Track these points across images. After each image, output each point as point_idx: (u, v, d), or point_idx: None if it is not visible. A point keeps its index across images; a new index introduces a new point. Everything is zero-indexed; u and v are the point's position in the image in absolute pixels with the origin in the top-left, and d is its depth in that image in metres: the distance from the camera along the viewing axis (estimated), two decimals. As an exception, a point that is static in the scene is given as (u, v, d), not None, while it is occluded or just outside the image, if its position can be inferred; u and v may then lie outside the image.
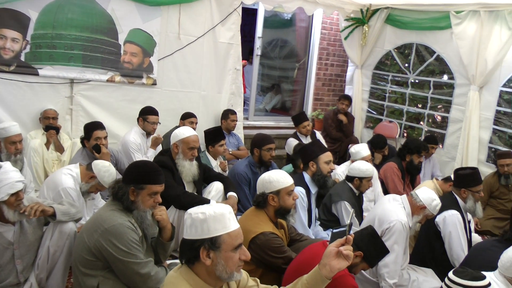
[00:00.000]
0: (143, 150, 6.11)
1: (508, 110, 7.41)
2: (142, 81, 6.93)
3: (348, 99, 8.94)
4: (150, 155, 6.01)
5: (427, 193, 4.32)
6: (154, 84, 7.06)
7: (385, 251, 3.43)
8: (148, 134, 6.25)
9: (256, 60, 9.25)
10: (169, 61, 7.14)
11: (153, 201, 3.35)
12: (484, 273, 3.14)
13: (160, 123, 6.38)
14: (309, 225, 4.87)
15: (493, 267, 3.31)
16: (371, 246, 3.34)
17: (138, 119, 6.22)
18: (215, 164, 5.94)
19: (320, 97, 10.13)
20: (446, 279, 2.54)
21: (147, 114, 6.18)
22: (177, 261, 2.53)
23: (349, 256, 2.55)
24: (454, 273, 2.53)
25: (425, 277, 4.46)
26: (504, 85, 7.42)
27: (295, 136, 7.74)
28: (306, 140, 7.54)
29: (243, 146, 7.56)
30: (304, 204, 4.76)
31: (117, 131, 6.50)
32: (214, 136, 5.99)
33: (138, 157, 5.81)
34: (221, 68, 7.73)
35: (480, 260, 3.78)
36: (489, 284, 2.50)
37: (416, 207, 4.29)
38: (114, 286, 3.25)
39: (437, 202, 4.27)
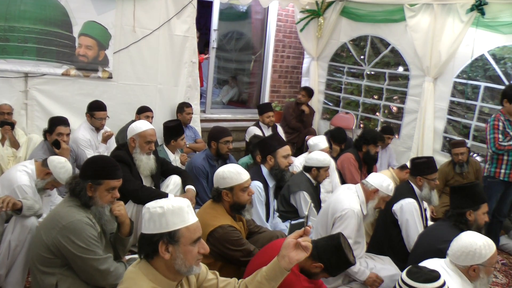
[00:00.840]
0: (94, 145, 5.99)
1: (462, 100, 7.59)
2: (98, 74, 6.82)
3: (310, 90, 8.96)
4: (101, 150, 5.92)
5: (377, 176, 4.41)
6: (110, 77, 6.96)
7: (349, 264, 3.38)
8: (97, 129, 6.14)
9: (212, 53, 9.20)
10: (124, 54, 7.04)
11: (111, 196, 3.31)
12: (435, 260, 3.23)
13: (109, 117, 6.22)
14: (268, 219, 4.87)
15: (442, 241, 3.44)
16: (334, 258, 3.25)
17: (86, 114, 6.09)
18: (173, 158, 5.91)
19: (277, 89, 10.16)
20: (399, 281, 2.55)
21: (94, 110, 6.01)
22: (136, 256, 2.50)
23: (307, 247, 2.58)
24: (407, 275, 2.53)
25: (383, 265, 4.53)
26: (458, 76, 7.59)
27: (257, 125, 7.76)
28: (267, 131, 7.57)
29: (200, 139, 7.54)
30: (262, 198, 4.74)
31: (73, 125, 6.34)
32: (177, 130, 5.98)
33: (90, 153, 5.69)
34: (177, 61, 7.67)
35: (429, 239, 3.89)
36: (444, 283, 2.51)
37: (369, 192, 4.36)
38: (73, 284, 3.19)
39: (387, 183, 4.34)
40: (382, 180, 4.36)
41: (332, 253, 3.26)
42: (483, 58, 7.30)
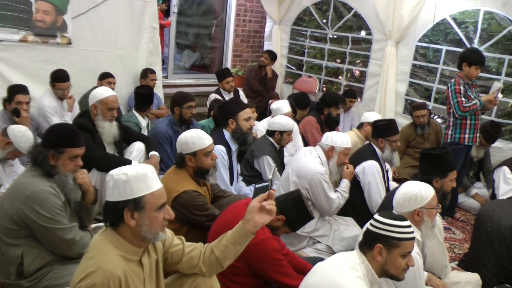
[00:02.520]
0: (60, 113, 5.91)
1: (424, 64, 7.71)
2: (57, 40, 6.65)
3: (270, 54, 8.93)
4: (68, 119, 5.83)
5: (329, 135, 4.51)
6: (69, 43, 6.78)
7: (308, 217, 3.47)
8: (61, 98, 6.01)
9: (173, 18, 9.08)
10: (83, 20, 6.87)
11: (74, 165, 3.27)
12: None
13: (71, 87, 6.09)
14: (231, 183, 4.90)
15: None
16: (294, 211, 3.37)
17: (49, 83, 5.97)
18: (144, 124, 5.86)
19: (239, 54, 10.12)
20: (371, 220, 2.67)
21: (55, 81, 5.87)
22: (102, 224, 2.49)
23: (271, 211, 2.60)
24: (379, 214, 2.66)
25: (346, 226, 4.62)
26: (420, 40, 7.69)
27: (218, 92, 7.73)
28: (229, 97, 7.53)
29: (163, 105, 7.48)
30: (225, 162, 4.76)
31: (34, 93, 6.16)
32: (149, 98, 5.98)
33: (56, 120, 5.60)
34: (138, 26, 7.53)
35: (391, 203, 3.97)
36: (410, 225, 2.64)
37: (327, 151, 4.46)
38: (39, 254, 3.17)
39: (340, 137, 4.45)
40: (334, 135, 4.47)
41: (292, 206, 3.37)
42: (445, 22, 7.40)
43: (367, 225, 2.68)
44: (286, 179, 4.53)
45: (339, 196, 4.46)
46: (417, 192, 3.28)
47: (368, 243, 2.64)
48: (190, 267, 2.67)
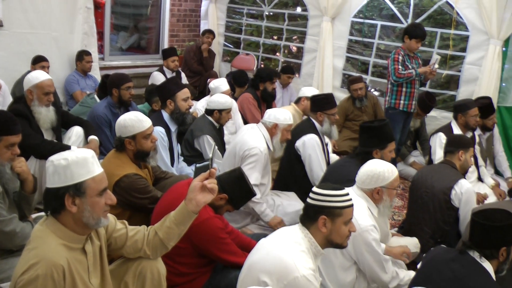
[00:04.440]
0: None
1: (359, 39, 7.85)
2: (-14, 23, 6.42)
3: (212, 33, 8.96)
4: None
5: (272, 111, 4.58)
6: (1, 25, 6.54)
7: (250, 194, 3.53)
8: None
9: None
10: (15, 0, 6.63)
11: (11, 153, 3.19)
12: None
13: None
14: (172, 163, 4.88)
15: (348, 180, 3.60)
16: (236, 189, 3.41)
17: None
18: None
19: (176, 34, 10.00)
20: (311, 194, 2.69)
21: None
22: (43, 213, 2.46)
23: (213, 189, 2.62)
24: (317, 186, 2.70)
25: (289, 201, 4.72)
26: (355, 16, 7.82)
27: (161, 70, 7.68)
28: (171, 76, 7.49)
29: (100, 87, 7.35)
30: (165, 143, 4.73)
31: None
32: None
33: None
34: (71, 7, 7.33)
35: (336, 175, 4.08)
36: (348, 193, 2.69)
37: (270, 129, 4.51)
38: (-21, 248, 3.10)
39: (283, 113, 4.52)
40: (277, 112, 4.53)
41: (234, 184, 3.41)
42: (379, -2, 7.55)
43: (308, 199, 2.70)
44: (229, 155, 4.57)
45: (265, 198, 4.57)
46: (380, 171, 3.37)
47: (311, 217, 2.66)
48: (135, 251, 2.67)
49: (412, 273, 3.51)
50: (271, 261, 2.56)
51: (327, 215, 2.62)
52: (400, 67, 5.76)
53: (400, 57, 5.81)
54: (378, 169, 3.38)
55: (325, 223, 2.62)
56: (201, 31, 9.37)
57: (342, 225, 2.65)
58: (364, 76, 7.76)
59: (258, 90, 6.70)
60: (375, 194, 3.41)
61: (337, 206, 2.63)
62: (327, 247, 2.74)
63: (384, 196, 3.42)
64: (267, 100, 6.74)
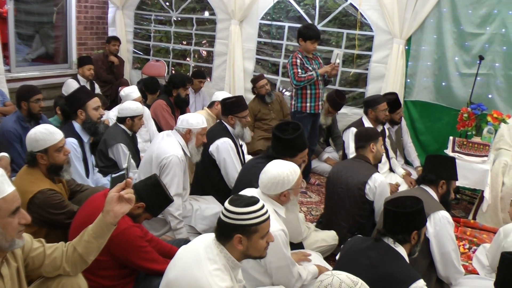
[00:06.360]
0: None
1: (268, 40, 8.00)
2: None
3: (118, 40, 8.85)
4: None
5: (184, 117, 4.55)
6: None
7: (168, 200, 3.53)
8: None
9: (10, 5, 8.55)
10: None
11: None
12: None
13: None
14: (88, 175, 4.79)
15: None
16: (153, 196, 3.40)
17: None
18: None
19: (83, 42, 9.78)
20: (223, 211, 2.61)
21: None
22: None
23: (130, 199, 2.60)
24: (229, 202, 2.61)
25: (207, 204, 4.74)
26: (263, 18, 7.96)
27: (75, 78, 7.48)
28: (87, 85, 7.31)
29: (8, 101, 7.05)
30: (79, 155, 4.64)
31: None
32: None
33: None
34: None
35: (249, 177, 4.10)
36: (263, 206, 2.63)
37: (184, 134, 4.50)
38: None
39: (195, 118, 4.52)
40: (189, 118, 4.52)
41: (151, 191, 3.40)
42: (285, 0, 7.73)
43: (220, 215, 2.62)
44: (146, 163, 4.52)
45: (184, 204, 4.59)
46: (285, 176, 3.34)
47: (225, 235, 2.58)
48: (54, 269, 2.60)
49: (312, 269, 3.61)
50: (187, 281, 2.51)
51: (242, 233, 2.55)
52: (299, 70, 5.80)
53: (298, 61, 5.84)
54: (282, 174, 3.35)
55: (240, 241, 2.56)
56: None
57: (259, 240, 2.60)
58: (274, 77, 7.97)
59: (171, 96, 6.69)
60: (282, 197, 3.41)
61: (252, 224, 2.55)
62: (245, 258, 2.70)
63: (291, 197, 3.44)
64: (180, 106, 6.74)
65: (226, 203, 2.61)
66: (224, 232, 2.59)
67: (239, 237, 2.55)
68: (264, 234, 2.62)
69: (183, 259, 2.64)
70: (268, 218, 2.64)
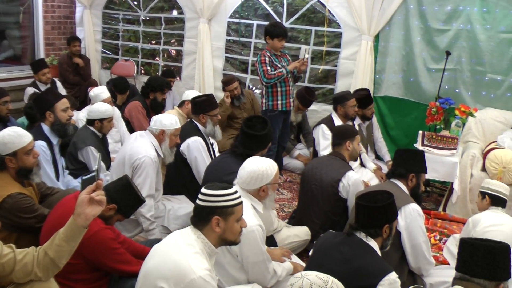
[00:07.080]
0: None
1: (237, 38, 8.01)
2: None
3: (78, 39, 8.73)
4: None
5: (157, 119, 4.52)
6: None
7: (139, 201, 3.52)
8: None
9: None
10: None
11: None
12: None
13: None
14: (58, 178, 4.74)
15: (228, 174, 3.79)
16: (125, 197, 3.38)
17: None
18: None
19: (51, 42, 9.64)
20: (200, 195, 2.70)
21: None
22: None
23: (102, 201, 2.58)
24: (205, 188, 2.70)
25: (180, 204, 4.74)
26: (231, 16, 7.96)
27: (33, 85, 7.34)
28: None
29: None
30: (48, 157, 4.58)
31: None
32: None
33: None
34: None
35: (216, 172, 4.16)
36: (236, 191, 2.74)
37: (158, 135, 4.48)
38: None
39: (168, 119, 4.49)
40: (162, 118, 4.49)
41: (122, 192, 3.38)
42: (253, -2, 7.73)
43: (197, 201, 2.71)
44: (119, 164, 4.47)
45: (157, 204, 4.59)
46: (263, 170, 3.43)
47: (203, 218, 2.67)
48: (25, 274, 2.57)
49: (287, 265, 3.67)
50: (166, 266, 2.55)
51: (219, 215, 2.65)
52: (268, 68, 5.85)
53: (267, 58, 5.89)
54: (261, 168, 3.44)
55: (218, 223, 2.65)
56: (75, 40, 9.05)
57: (235, 222, 2.71)
58: (244, 75, 7.97)
59: (148, 98, 6.68)
60: (261, 192, 3.48)
61: (228, 205, 2.67)
62: (221, 245, 2.78)
63: (269, 192, 3.51)
64: (155, 110, 6.70)
65: (202, 189, 2.70)
66: (202, 215, 2.69)
67: (217, 219, 2.65)
68: (239, 217, 2.74)
69: (160, 249, 2.71)
70: (241, 203, 2.76)
